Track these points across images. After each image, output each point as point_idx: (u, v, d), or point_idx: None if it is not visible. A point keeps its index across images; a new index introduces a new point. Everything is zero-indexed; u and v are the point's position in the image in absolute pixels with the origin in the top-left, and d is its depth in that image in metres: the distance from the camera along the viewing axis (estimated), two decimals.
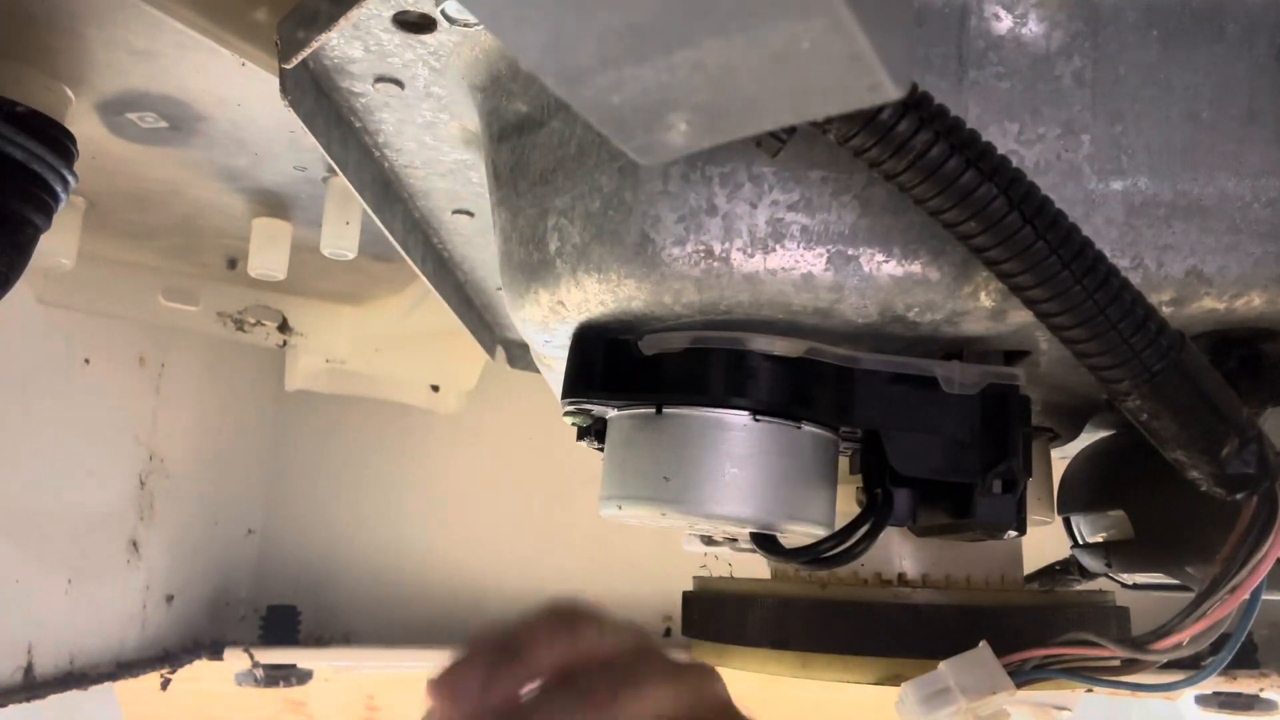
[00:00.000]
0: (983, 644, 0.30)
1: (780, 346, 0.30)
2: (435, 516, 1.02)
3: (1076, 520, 0.41)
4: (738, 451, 0.29)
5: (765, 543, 0.32)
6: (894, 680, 0.34)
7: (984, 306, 0.29)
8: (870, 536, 0.31)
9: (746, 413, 0.30)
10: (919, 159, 0.23)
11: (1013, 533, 0.30)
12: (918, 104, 0.23)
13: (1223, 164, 0.28)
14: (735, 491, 0.29)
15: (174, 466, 0.86)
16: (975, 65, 0.28)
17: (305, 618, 0.97)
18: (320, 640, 0.97)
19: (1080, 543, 0.41)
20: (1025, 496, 0.30)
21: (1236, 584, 0.26)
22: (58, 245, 0.57)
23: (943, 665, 0.30)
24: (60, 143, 0.44)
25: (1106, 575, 0.40)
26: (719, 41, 0.17)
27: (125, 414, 0.80)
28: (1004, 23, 0.28)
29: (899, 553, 0.38)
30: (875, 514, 0.31)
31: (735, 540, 0.42)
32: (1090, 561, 0.40)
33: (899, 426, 0.31)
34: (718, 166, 0.28)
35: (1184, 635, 0.28)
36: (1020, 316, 0.29)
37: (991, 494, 0.29)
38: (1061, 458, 0.44)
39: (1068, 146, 0.28)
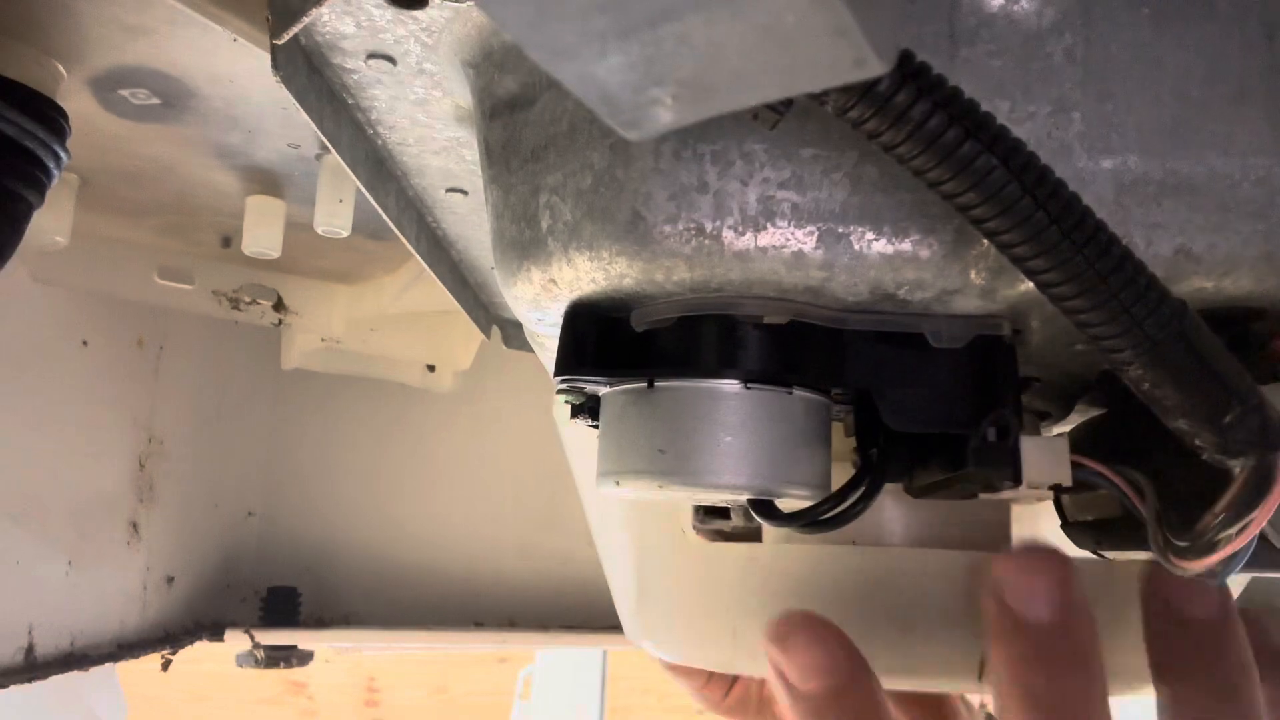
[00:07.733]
0: (1064, 436, 0.29)
1: (769, 310, 0.30)
2: (435, 497, 1.03)
3: (1064, 498, 0.42)
4: (731, 420, 0.29)
5: (763, 508, 0.32)
6: None
7: (975, 285, 0.29)
8: (868, 496, 0.31)
9: (737, 381, 0.30)
10: (918, 129, 0.23)
11: (1009, 484, 0.30)
12: (916, 74, 0.23)
13: (1212, 142, 0.28)
14: (730, 460, 0.29)
15: (173, 449, 0.86)
16: (967, 42, 0.28)
17: (306, 599, 0.97)
18: (321, 622, 0.97)
19: (1068, 521, 0.41)
20: (1020, 445, 0.30)
21: (1216, 543, 0.26)
22: (52, 223, 0.57)
23: (1024, 441, 0.29)
24: (52, 119, 0.43)
25: (1095, 554, 0.40)
26: (704, 15, 0.17)
27: (124, 396, 0.81)
28: None
29: (889, 530, 0.38)
30: (871, 472, 0.31)
31: (728, 517, 0.43)
32: (1078, 540, 0.41)
33: (890, 384, 0.30)
34: (709, 144, 0.28)
35: None
36: (1011, 295, 0.29)
37: (986, 441, 0.29)
38: None
39: (1058, 124, 0.28)
